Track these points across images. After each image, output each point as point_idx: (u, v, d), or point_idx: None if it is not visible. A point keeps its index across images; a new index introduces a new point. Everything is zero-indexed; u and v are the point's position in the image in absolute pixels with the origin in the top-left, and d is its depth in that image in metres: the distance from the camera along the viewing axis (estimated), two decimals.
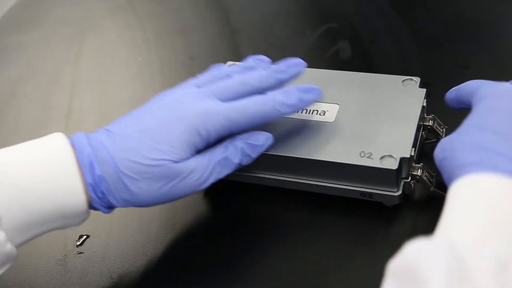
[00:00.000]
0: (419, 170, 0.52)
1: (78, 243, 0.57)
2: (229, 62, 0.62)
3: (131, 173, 0.48)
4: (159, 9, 0.82)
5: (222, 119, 0.49)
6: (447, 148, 0.44)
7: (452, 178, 0.42)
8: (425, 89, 0.55)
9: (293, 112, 0.52)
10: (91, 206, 0.49)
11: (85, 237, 0.57)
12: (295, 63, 0.54)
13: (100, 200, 0.48)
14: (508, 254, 0.36)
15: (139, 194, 0.48)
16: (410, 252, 0.37)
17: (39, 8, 0.86)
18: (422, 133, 0.56)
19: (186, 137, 0.48)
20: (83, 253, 0.56)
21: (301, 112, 0.56)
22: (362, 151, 0.51)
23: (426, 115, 0.56)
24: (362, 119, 0.54)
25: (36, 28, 0.83)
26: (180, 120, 0.49)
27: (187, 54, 0.75)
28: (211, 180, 0.50)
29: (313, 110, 0.56)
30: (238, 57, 0.70)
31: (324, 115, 0.55)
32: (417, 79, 0.56)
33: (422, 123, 0.55)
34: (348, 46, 0.70)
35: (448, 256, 0.35)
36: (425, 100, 0.55)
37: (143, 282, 0.53)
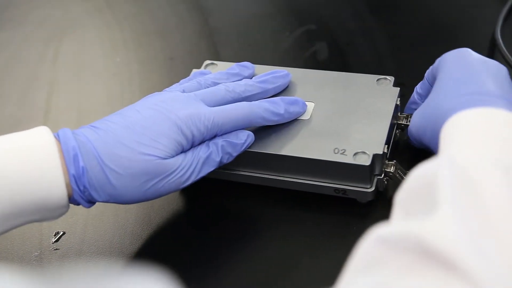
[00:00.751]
0: (392, 167, 0.53)
1: (54, 240, 0.57)
2: (207, 61, 0.62)
3: (115, 166, 0.48)
4: (138, 10, 0.82)
5: (208, 122, 0.50)
6: (425, 110, 0.48)
7: (438, 127, 0.44)
8: (399, 88, 0.56)
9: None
10: (72, 199, 0.49)
11: (61, 233, 0.58)
12: (282, 75, 0.56)
13: (81, 193, 0.48)
14: (506, 158, 0.37)
15: (121, 189, 0.49)
16: (411, 177, 0.38)
17: (18, 9, 0.86)
18: (396, 131, 0.57)
19: (172, 135, 0.49)
20: (59, 249, 0.56)
21: None
22: (336, 148, 0.52)
23: (400, 114, 0.57)
24: (336, 116, 0.55)
25: (15, 28, 0.83)
26: (166, 120, 0.49)
27: (166, 54, 0.75)
28: (193, 178, 0.50)
29: None
30: (217, 57, 0.71)
31: None
32: (391, 78, 0.57)
33: (396, 122, 0.56)
34: (325, 47, 0.71)
35: (451, 169, 0.36)
36: (399, 99, 0.56)
37: None
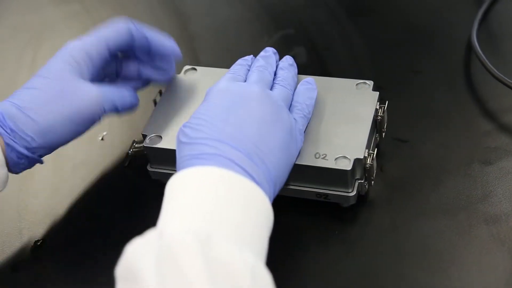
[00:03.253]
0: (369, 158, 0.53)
1: (33, 248, 0.57)
2: (186, 66, 0.62)
3: (24, 101, 0.52)
4: (115, 14, 0.82)
5: None
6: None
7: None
8: (378, 92, 0.57)
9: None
10: (7, 148, 0.51)
11: (40, 242, 0.57)
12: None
13: (11, 135, 0.51)
14: (207, 226, 0.41)
15: (41, 121, 0.52)
16: (127, 252, 0.40)
17: None
18: (376, 135, 0.57)
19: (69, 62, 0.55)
20: (39, 258, 0.56)
21: None
22: (317, 153, 0.52)
23: (380, 117, 0.57)
24: (317, 121, 0.55)
25: None
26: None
27: None
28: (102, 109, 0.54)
29: None
30: (197, 62, 0.71)
31: None
32: (370, 83, 0.58)
33: (376, 125, 0.57)
34: (303, 52, 0.71)
35: (156, 246, 0.39)
36: (378, 103, 0.57)
37: None
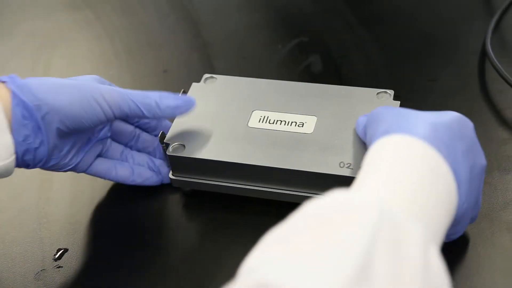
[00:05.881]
0: None
1: (55, 257, 0.57)
2: (206, 75, 0.63)
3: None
4: (127, 22, 0.82)
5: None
6: (370, 117, 0.50)
7: (373, 139, 0.46)
8: (399, 101, 0.57)
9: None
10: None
11: (62, 250, 0.57)
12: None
13: (19, 87, 0.51)
14: (432, 227, 0.40)
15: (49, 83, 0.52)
16: (336, 199, 0.39)
17: (6, 21, 0.85)
18: None
19: None
20: (62, 267, 0.56)
21: (280, 124, 0.57)
22: (341, 162, 0.53)
23: None
24: (340, 130, 0.56)
25: (4, 40, 0.82)
26: None
27: (159, 67, 0.75)
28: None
29: (292, 122, 0.57)
30: (212, 70, 0.71)
31: (302, 126, 0.57)
32: (391, 92, 0.58)
33: None
34: (319, 60, 0.72)
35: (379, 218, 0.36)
36: None
37: None
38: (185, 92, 0.61)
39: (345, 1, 0.79)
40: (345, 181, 0.52)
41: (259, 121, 0.57)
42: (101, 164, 0.58)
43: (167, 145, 0.57)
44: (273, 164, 0.54)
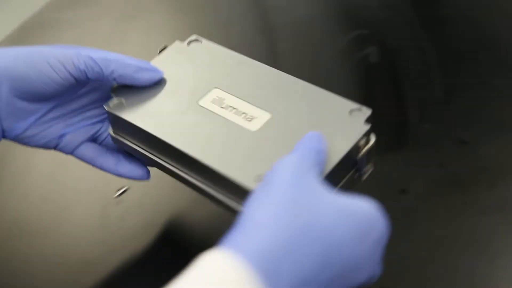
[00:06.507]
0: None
1: (117, 194, 0.62)
2: (193, 36, 0.56)
3: None
4: (200, 1, 0.87)
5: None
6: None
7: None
8: (370, 126, 0.46)
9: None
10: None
11: (124, 188, 0.62)
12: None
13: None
14: None
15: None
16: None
17: None
18: (355, 174, 0.47)
19: None
20: (122, 202, 0.61)
21: (229, 111, 0.50)
22: (259, 175, 0.44)
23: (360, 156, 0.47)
24: (284, 138, 0.47)
25: (83, 9, 0.88)
26: None
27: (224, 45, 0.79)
28: None
29: (243, 113, 0.50)
30: (273, 54, 0.75)
31: (250, 121, 0.49)
32: (366, 111, 0.47)
33: (353, 163, 0.47)
34: (376, 52, 0.75)
35: None
36: (366, 138, 0.46)
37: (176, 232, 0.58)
38: (166, 47, 0.56)
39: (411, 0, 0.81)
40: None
41: (211, 101, 0.50)
42: (89, 149, 0.54)
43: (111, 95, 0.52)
44: (193, 154, 0.47)
